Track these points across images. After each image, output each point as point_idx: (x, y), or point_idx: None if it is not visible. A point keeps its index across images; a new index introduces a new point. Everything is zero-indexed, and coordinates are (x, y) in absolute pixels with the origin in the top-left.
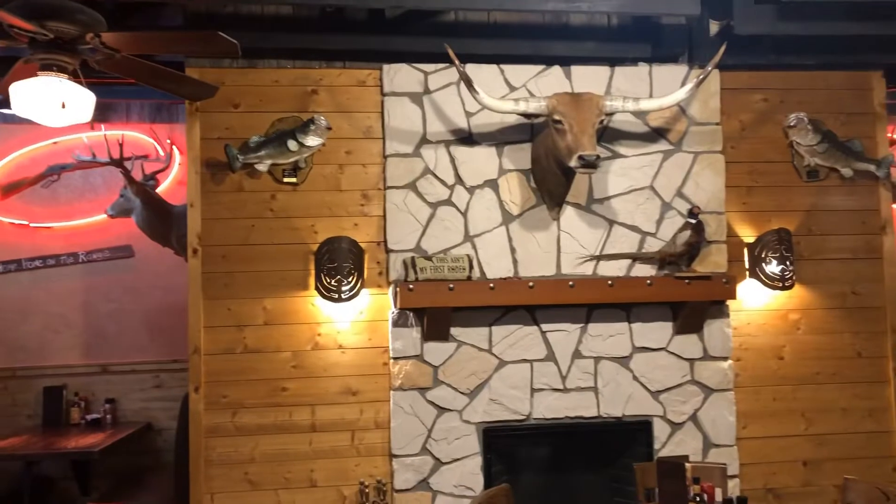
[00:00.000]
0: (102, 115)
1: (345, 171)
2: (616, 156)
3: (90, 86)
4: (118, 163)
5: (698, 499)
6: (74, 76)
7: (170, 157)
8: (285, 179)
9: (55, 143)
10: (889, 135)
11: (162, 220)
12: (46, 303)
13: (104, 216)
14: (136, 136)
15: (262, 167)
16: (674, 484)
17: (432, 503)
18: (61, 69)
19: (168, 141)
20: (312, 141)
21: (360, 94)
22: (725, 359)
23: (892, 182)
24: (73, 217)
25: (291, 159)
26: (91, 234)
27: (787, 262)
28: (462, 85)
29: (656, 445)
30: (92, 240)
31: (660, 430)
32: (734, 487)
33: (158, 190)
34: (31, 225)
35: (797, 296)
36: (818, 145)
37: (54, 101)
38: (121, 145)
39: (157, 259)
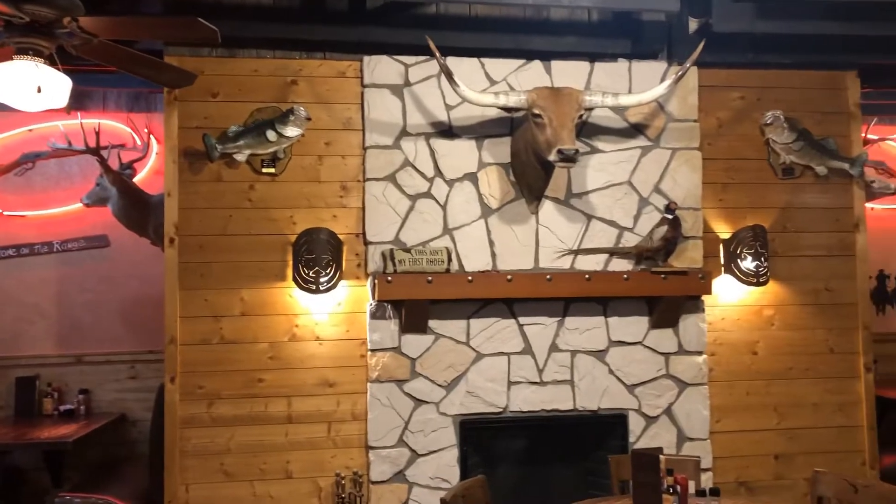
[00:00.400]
0: (79, 102)
1: (324, 162)
2: (595, 151)
3: (67, 73)
4: (94, 151)
5: (672, 490)
6: (51, 61)
7: (147, 146)
8: (264, 170)
9: (30, 130)
10: (863, 134)
11: (139, 210)
12: (20, 292)
13: (80, 205)
14: (112, 124)
15: (241, 157)
16: (648, 476)
17: (408, 495)
18: (37, 53)
19: (145, 130)
20: (292, 131)
21: (340, 86)
22: (700, 353)
23: (865, 181)
24: (48, 206)
25: (270, 150)
26: (66, 224)
27: (762, 259)
28: (442, 77)
29: (631, 439)
30: (67, 229)
31: (635, 423)
32: (707, 480)
33: (135, 179)
34: (5, 213)
35: (771, 292)
36: (794, 143)
37: (30, 85)
38: (97, 133)
39: (134, 249)
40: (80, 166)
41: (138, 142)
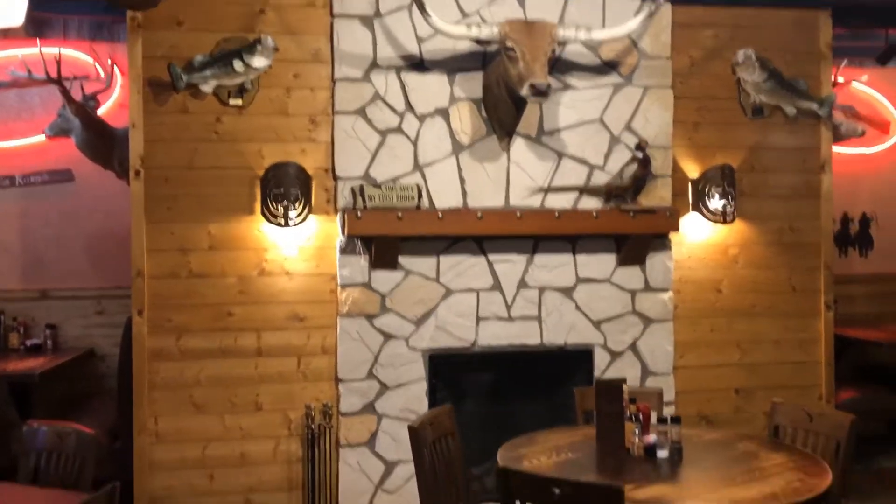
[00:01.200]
0: (38, 30)
1: (292, 94)
2: (567, 87)
3: None
4: (56, 81)
5: (634, 418)
6: None
7: (111, 77)
8: (231, 101)
9: None
10: (833, 76)
11: (104, 142)
12: None
13: (42, 137)
14: (74, 54)
15: (207, 88)
16: (611, 404)
17: (377, 426)
18: None
19: (109, 61)
20: (259, 62)
21: (310, 15)
22: (666, 291)
23: (833, 123)
24: (9, 138)
25: (237, 80)
26: (28, 157)
27: (729, 198)
28: (414, 8)
29: (596, 373)
30: (29, 162)
31: (600, 358)
32: (669, 413)
33: (99, 112)
34: None
35: (737, 231)
36: (764, 83)
37: None
38: (58, 62)
39: (98, 184)
40: (42, 97)
41: (101, 73)
